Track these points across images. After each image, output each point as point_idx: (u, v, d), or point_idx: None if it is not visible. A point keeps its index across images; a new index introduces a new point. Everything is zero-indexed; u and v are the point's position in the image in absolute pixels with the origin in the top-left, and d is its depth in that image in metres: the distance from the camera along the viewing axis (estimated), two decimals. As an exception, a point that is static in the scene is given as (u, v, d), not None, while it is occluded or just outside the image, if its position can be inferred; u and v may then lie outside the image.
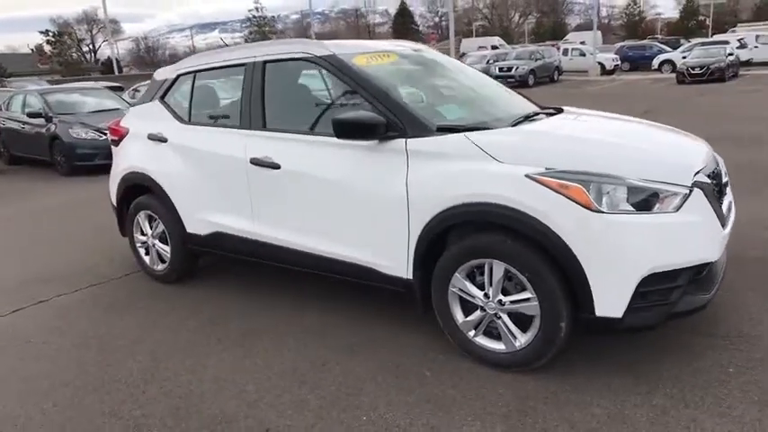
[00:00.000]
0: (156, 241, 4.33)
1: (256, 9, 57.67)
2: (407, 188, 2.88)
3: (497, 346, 2.83)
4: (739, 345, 2.90)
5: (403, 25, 69.41)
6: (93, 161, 9.51)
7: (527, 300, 2.65)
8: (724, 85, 19.78)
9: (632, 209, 2.49)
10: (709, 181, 2.70)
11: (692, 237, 2.55)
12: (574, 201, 2.47)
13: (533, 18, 73.52)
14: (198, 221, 3.98)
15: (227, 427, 2.59)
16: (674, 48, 32.00)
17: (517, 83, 24.60)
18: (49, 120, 10.11)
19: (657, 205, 2.50)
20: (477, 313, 2.84)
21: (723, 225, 2.71)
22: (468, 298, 2.85)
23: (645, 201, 2.50)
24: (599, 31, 37.44)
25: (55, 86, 14.29)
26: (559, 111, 3.61)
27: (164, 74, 4.39)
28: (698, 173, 2.66)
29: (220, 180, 3.78)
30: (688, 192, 2.54)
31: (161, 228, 4.25)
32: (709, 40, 30.97)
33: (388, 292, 3.16)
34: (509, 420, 2.47)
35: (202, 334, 3.51)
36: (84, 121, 9.98)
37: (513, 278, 2.70)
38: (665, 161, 2.75)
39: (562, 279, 2.55)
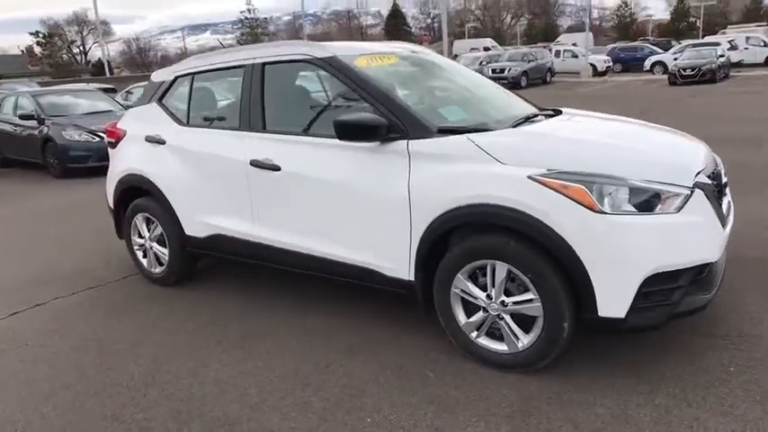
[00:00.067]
0: (154, 244, 4.31)
1: (248, 11, 57.62)
2: (409, 190, 2.89)
3: (500, 346, 2.83)
4: (739, 344, 2.92)
5: (395, 27, 69.56)
6: (87, 163, 9.47)
7: (530, 301, 2.66)
8: (715, 87, 19.95)
9: (634, 210, 2.50)
10: (709, 181, 2.72)
11: (693, 237, 2.57)
12: (576, 202, 2.48)
13: (525, 20, 73.78)
14: (197, 224, 3.96)
15: (229, 430, 2.57)
16: (666, 49, 32.25)
17: (510, 84, 24.64)
18: (41, 122, 10.04)
19: (659, 206, 2.52)
20: (480, 314, 2.85)
21: (723, 225, 2.74)
22: (471, 299, 2.85)
23: (647, 201, 2.52)
24: (590, 33, 37.63)
25: (47, 88, 14.24)
26: (558, 112, 3.62)
27: (161, 76, 4.37)
28: (698, 174, 2.68)
29: (220, 182, 3.77)
30: (689, 192, 2.56)
31: (159, 230, 4.23)
32: (700, 41, 31.19)
33: (389, 293, 3.16)
34: (513, 421, 2.47)
35: (202, 336, 3.49)
36: (77, 123, 9.92)
37: (516, 279, 2.70)
38: (666, 162, 2.77)
39: (565, 280, 2.56)
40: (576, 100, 18.06)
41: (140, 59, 68.47)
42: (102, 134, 9.28)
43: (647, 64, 29.45)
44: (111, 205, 4.62)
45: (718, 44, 25.74)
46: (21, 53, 58.02)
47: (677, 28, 59.24)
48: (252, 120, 3.59)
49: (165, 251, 4.23)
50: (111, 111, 10.60)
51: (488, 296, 2.78)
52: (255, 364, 3.11)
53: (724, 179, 3.08)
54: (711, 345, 2.93)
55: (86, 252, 5.33)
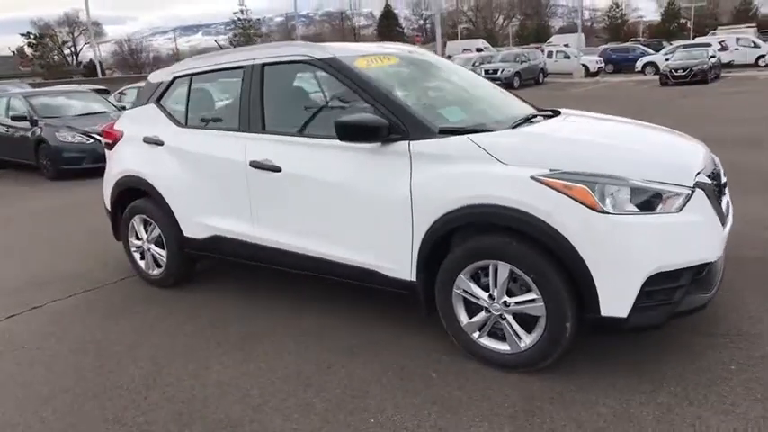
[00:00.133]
0: (152, 245, 4.29)
1: (241, 11, 57.48)
2: (411, 190, 2.89)
3: (502, 347, 2.84)
4: (739, 343, 2.93)
5: (388, 28, 69.56)
6: (81, 165, 9.41)
7: (532, 301, 2.67)
8: (707, 87, 20.09)
9: (636, 209, 2.51)
10: (709, 181, 2.74)
11: (694, 237, 2.58)
12: (579, 202, 2.49)
13: (517, 21, 74.01)
14: (195, 225, 3.95)
15: (232, 431, 2.57)
16: (657, 50, 32.44)
17: (503, 85, 24.44)
18: (34, 123, 9.96)
19: (661, 206, 2.53)
20: (482, 314, 2.85)
21: (723, 224, 2.76)
22: (473, 299, 2.85)
23: (648, 201, 2.53)
24: (582, 34, 37.80)
25: (39, 89, 14.14)
26: (557, 113, 3.64)
27: (159, 77, 4.35)
28: (698, 173, 2.70)
29: (219, 183, 3.75)
30: (690, 192, 2.57)
31: (157, 232, 4.21)
32: (691, 42, 31.40)
33: (390, 294, 3.16)
34: (516, 421, 2.48)
35: (201, 338, 3.48)
36: (70, 124, 9.86)
37: (518, 279, 2.71)
38: (667, 162, 2.79)
39: (567, 280, 2.57)
40: (569, 100, 18.12)
41: (132, 61, 68.10)
42: (96, 136, 9.23)
43: (639, 65, 29.61)
44: (108, 207, 4.59)
45: (708, 45, 25.91)
46: (12, 54, 57.56)
47: (668, 29, 59.61)
48: (251, 121, 3.58)
49: (164, 253, 4.20)
50: (105, 112, 10.53)
51: (490, 296, 2.79)
52: (257, 366, 3.10)
53: (723, 179, 3.11)
54: (712, 344, 2.95)
55: (83, 254, 5.30)
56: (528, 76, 27.83)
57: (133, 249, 4.45)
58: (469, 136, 2.85)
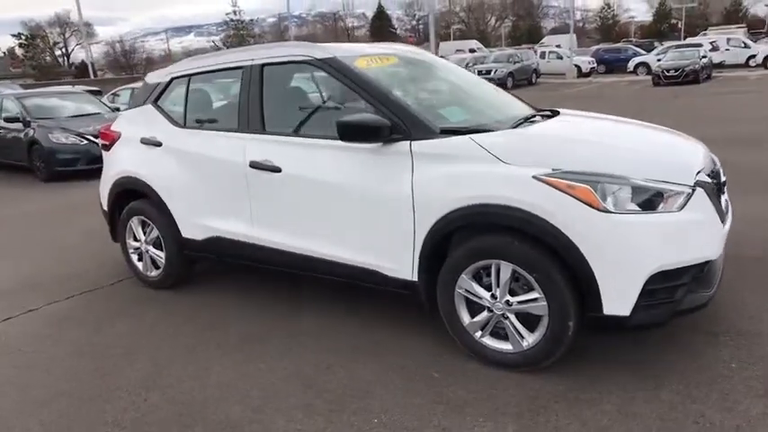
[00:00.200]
0: (150, 247, 4.26)
1: (234, 12, 57.28)
2: (413, 190, 2.88)
3: (505, 346, 2.83)
4: (740, 341, 2.94)
5: (380, 28, 69.56)
6: (75, 166, 9.33)
7: (535, 300, 2.67)
8: (698, 87, 20.21)
9: (638, 208, 2.52)
10: (709, 180, 2.75)
11: (695, 235, 2.59)
12: (581, 201, 2.50)
13: (509, 21, 74.16)
14: (194, 226, 3.92)
15: (233, 432, 2.56)
16: (648, 50, 32.63)
17: (496, 85, 24.74)
18: (27, 124, 9.87)
19: (662, 205, 2.54)
20: (484, 314, 2.85)
21: (723, 223, 2.77)
22: (475, 299, 2.85)
23: (649, 200, 2.54)
24: (574, 35, 37.92)
25: (32, 90, 14.03)
26: (556, 113, 3.64)
27: (156, 77, 4.32)
28: (699, 172, 2.71)
29: (218, 184, 3.73)
30: (691, 191, 2.58)
31: (155, 233, 4.18)
32: (683, 42, 31.60)
33: (390, 294, 3.16)
34: (521, 420, 2.48)
35: (201, 339, 3.46)
36: (64, 125, 9.76)
37: (520, 278, 2.71)
38: (668, 161, 2.80)
39: (570, 279, 2.57)
40: (562, 101, 18.17)
41: (125, 62, 67.68)
42: (90, 137, 9.17)
43: (631, 65, 29.79)
44: (106, 208, 4.56)
45: (700, 45, 26.09)
46: (2, 55, 57.21)
47: (659, 29, 59.95)
48: (251, 121, 3.56)
49: (162, 254, 4.18)
50: (99, 113, 10.46)
51: (493, 296, 2.79)
52: (257, 367, 3.09)
53: (723, 178, 3.12)
54: (712, 342, 2.96)
55: (79, 256, 5.26)
56: (521, 77, 27.89)
57: (131, 251, 4.42)
58: (471, 136, 2.85)
